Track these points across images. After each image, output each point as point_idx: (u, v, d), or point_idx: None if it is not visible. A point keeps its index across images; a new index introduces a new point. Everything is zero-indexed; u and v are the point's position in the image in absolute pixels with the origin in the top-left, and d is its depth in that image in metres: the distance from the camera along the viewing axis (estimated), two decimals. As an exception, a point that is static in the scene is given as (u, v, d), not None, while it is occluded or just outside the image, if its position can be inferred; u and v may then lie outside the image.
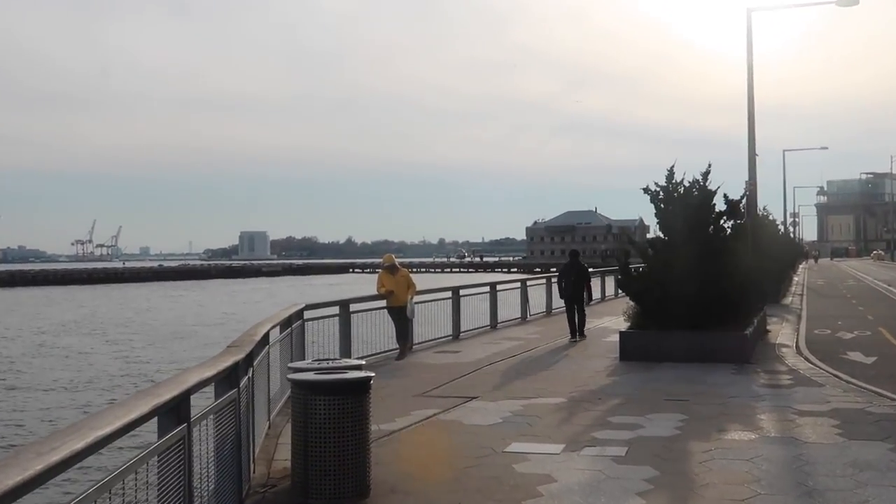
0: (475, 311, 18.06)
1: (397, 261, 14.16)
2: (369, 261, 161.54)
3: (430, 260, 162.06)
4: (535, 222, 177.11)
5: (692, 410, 8.94)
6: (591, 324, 19.04)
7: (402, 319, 13.66)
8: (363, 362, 6.79)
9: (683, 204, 13.90)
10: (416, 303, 14.34)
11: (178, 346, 29.52)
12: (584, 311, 17.02)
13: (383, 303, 13.86)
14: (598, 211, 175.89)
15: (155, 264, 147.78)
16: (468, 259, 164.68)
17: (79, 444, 2.97)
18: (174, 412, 4.14)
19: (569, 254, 17.66)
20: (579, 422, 8.44)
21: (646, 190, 14.04)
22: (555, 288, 23.00)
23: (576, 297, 16.67)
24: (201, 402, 4.92)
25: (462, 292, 17.35)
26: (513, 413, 8.92)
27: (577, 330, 16.32)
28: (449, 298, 16.81)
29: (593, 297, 18.98)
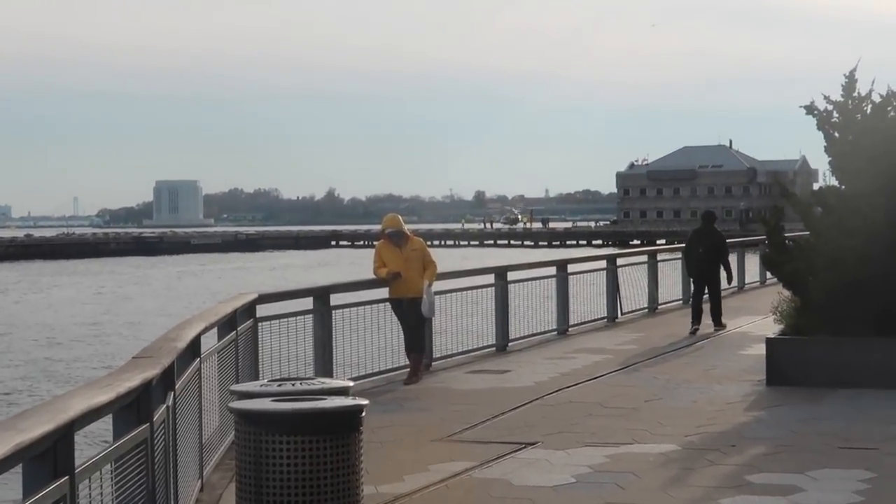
0: (534, 308, 18.11)
1: (406, 227, 14.20)
2: (362, 227, 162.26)
3: (458, 227, 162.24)
4: (632, 165, 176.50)
5: (884, 465, 8.93)
6: (727, 328, 19.01)
7: (413, 319, 13.73)
8: (351, 384, 6.85)
9: (872, 131, 13.77)
10: (437, 292, 14.40)
11: (37, 372, 29.82)
12: (720, 295, 18.93)
13: (384, 292, 13.92)
14: (734, 146, 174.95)
15: (20, 233, 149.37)
16: (522, 225, 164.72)
17: None
18: (48, 458, 4.20)
19: (701, 217, 19.33)
20: (700, 482, 8.49)
21: (810, 109, 13.92)
22: (666, 269, 23.01)
23: (708, 275, 18.57)
24: (92, 446, 4.98)
25: (512, 276, 17.39)
26: (593, 468, 8.98)
27: (714, 320, 18.52)
28: (491, 286, 16.86)
29: (733, 278, 20.02)
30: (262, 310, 11.59)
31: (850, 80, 13.93)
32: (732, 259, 25.08)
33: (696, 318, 18.58)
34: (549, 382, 13.51)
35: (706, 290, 18.84)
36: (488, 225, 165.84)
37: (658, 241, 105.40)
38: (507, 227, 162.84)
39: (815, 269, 13.50)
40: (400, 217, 14.28)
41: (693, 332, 18.30)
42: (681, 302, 23.56)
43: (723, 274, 19.09)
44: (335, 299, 13.28)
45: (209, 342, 8.96)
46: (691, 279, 19.24)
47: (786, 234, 14.46)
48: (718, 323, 18.80)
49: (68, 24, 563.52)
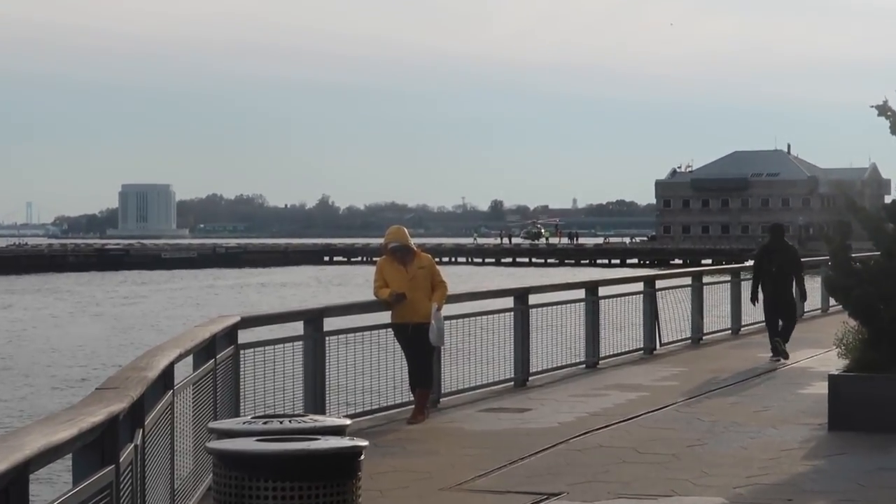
0: (559, 337, 18.09)
1: (413, 241, 14.21)
2: (361, 241, 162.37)
3: (471, 242, 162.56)
4: (674, 172, 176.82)
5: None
6: (781, 361, 19.00)
7: (420, 348, 13.73)
8: (347, 422, 6.86)
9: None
10: (448, 317, 14.40)
11: None
12: (794, 320, 19.77)
13: (385, 317, 13.94)
14: (793, 152, 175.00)
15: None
16: (545, 240, 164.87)
17: None
18: (0, 504, 4.20)
19: (769, 230, 20.13)
20: (751, 541, 8.45)
21: (882, 110, 13.90)
22: (713, 294, 23.06)
23: (784, 296, 19.36)
24: (49, 489, 4.99)
25: (533, 300, 17.41)
26: (626, 523, 8.95)
27: (779, 346, 19.06)
28: (509, 311, 16.87)
29: (807, 296, 20.76)
30: (246, 335, 11.59)
31: (929, 77, 13.90)
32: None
33: (778, 348, 19.23)
34: (575, 423, 13.49)
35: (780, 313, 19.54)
36: (506, 240, 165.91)
37: (703, 261, 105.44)
38: (528, 242, 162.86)
39: (886, 296, 13.46)
40: (405, 229, 14.29)
41: (775, 351, 19.10)
42: (729, 332, 23.55)
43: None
44: (329, 324, 13.28)
45: (184, 372, 8.97)
46: (763, 303, 19.84)
47: (853, 255, 14.42)
48: (782, 350, 19.21)
49: (20, 4, 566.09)
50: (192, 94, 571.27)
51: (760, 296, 19.86)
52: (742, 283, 24.36)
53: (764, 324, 24.68)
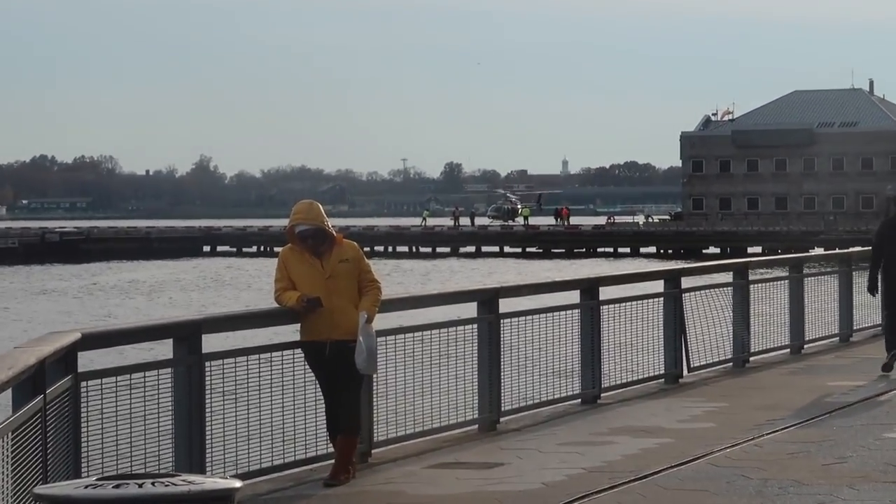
0: (543, 359, 18.12)
1: (332, 222, 14.23)
2: (256, 223, 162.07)
3: (418, 224, 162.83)
4: (708, 121, 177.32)
5: None
6: (862, 391, 19.11)
7: (342, 377, 13.75)
8: (237, 485, 6.86)
9: None
10: (381, 333, 14.42)
11: None
12: None
13: (293, 331, 13.94)
14: (877, 91, 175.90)
15: None
16: (522, 218, 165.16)
17: None
18: None
19: (889, 201, 21.21)
20: None
21: None
22: (764, 296, 23.53)
23: None
24: None
25: (506, 306, 17.45)
26: None
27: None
28: (472, 323, 16.94)
29: None
30: (89, 359, 11.56)
31: None
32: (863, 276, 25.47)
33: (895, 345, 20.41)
34: (567, 484, 13.54)
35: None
36: (466, 220, 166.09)
37: (750, 250, 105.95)
38: (498, 223, 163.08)
39: None
40: (319, 206, 14.28)
41: (887, 368, 20.40)
42: (788, 351, 23.64)
43: None
44: (210, 342, 13.27)
45: (-2, 414, 8.95)
46: (882, 294, 21.31)
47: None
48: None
49: None
50: (7, 15, 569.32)
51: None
52: (805, 279, 24.49)
53: (837, 339, 25.05)
